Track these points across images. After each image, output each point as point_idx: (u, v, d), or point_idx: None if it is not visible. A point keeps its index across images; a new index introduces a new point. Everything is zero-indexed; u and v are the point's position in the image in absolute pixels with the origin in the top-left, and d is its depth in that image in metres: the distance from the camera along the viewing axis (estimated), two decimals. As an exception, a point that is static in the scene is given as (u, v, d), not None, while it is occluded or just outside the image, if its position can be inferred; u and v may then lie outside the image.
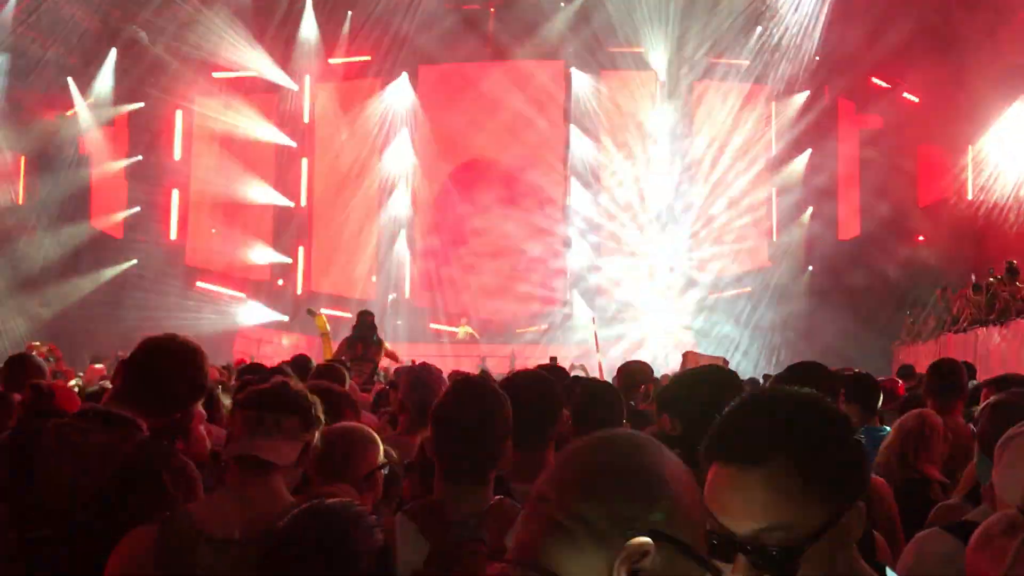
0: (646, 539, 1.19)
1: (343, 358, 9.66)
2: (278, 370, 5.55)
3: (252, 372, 5.99)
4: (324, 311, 23.97)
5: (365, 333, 10.39)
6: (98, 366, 16.04)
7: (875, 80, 24.44)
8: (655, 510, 1.22)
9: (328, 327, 10.30)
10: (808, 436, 1.45)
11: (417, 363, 4.63)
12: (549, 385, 3.26)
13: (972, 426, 4.13)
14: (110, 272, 25.32)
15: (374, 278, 27.11)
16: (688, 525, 1.25)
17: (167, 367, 2.94)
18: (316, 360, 7.74)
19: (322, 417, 2.70)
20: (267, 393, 2.66)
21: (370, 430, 3.06)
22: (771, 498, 1.40)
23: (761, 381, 10.10)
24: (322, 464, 2.81)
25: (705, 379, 3.05)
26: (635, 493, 1.23)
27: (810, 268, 25.32)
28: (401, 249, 27.47)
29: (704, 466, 1.48)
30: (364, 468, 2.89)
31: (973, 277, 17.55)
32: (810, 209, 25.59)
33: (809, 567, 1.39)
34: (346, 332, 10.70)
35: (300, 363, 6.74)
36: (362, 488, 2.83)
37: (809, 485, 1.40)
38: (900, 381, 7.73)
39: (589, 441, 1.32)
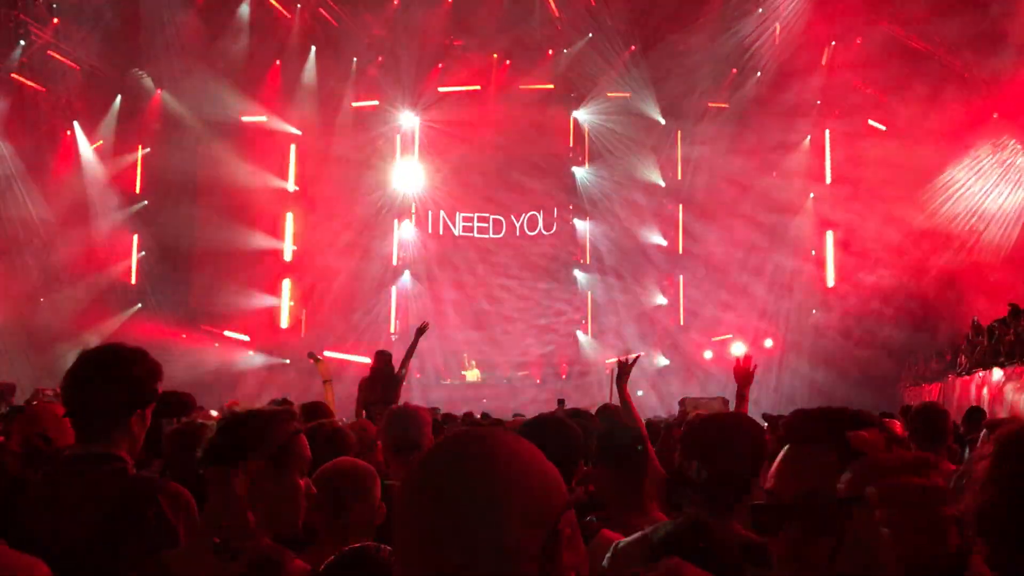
0: None
1: (364, 401, 9.54)
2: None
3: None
4: (328, 353, 24.12)
5: (384, 373, 10.12)
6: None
7: (872, 123, 24.60)
8: None
9: (330, 374, 10.13)
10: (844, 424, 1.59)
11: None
12: (572, 430, 3.27)
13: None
14: (120, 318, 25.33)
15: (393, 334, 27.01)
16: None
17: (88, 386, 2.79)
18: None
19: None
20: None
21: (364, 464, 3.07)
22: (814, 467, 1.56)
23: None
24: (320, 503, 2.80)
25: (734, 426, 2.84)
26: None
27: (814, 311, 25.30)
28: (404, 291, 27.60)
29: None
30: (365, 502, 2.91)
31: (975, 319, 17.50)
32: (813, 252, 25.69)
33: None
34: (349, 376, 10.51)
35: (313, 408, 6.58)
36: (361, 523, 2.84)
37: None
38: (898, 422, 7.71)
39: None
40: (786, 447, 1.63)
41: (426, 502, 1.26)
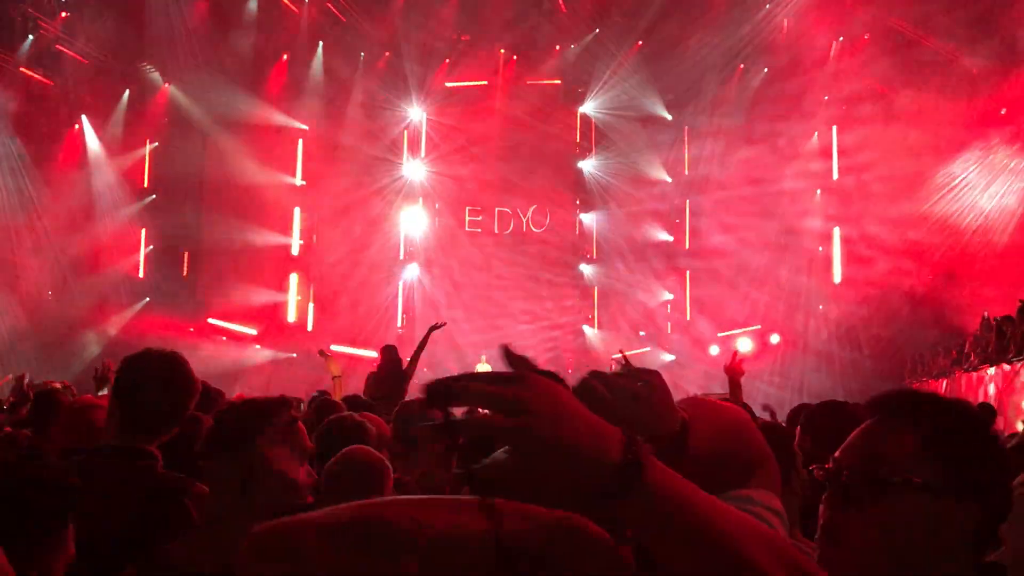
0: None
1: (371, 396, 9.55)
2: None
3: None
4: (335, 348, 24.16)
5: (392, 369, 10.10)
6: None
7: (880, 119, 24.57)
8: None
9: (340, 370, 10.13)
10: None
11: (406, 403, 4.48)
12: None
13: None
14: (129, 313, 25.41)
15: (400, 328, 27.07)
16: None
17: (150, 385, 2.88)
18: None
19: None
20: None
21: (374, 452, 3.07)
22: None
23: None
24: (329, 489, 2.82)
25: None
26: None
27: (820, 307, 25.27)
28: (411, 287, 27.67)
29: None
30: (372, 492, 2.91)
31: (985, 314, 17.45)
32: (820, 248, 25.66)
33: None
34: (352, 370, 10.52)
35: (326, 402, 6.61)
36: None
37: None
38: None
39: None
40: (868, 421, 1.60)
41: None
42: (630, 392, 1.56)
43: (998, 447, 1.54)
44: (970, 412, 1.58)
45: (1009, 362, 14.64)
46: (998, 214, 21.55)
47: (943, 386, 17.90)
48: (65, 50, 23.75)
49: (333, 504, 2.87)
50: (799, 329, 25.06)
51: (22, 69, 23.18)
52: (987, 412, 6.57)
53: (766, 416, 6.22)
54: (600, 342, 26.61)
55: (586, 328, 27.19)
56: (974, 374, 16.43)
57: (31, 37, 22.94)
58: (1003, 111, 21.23)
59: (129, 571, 2.37)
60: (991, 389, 15.02)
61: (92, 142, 25.34)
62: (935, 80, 21.67)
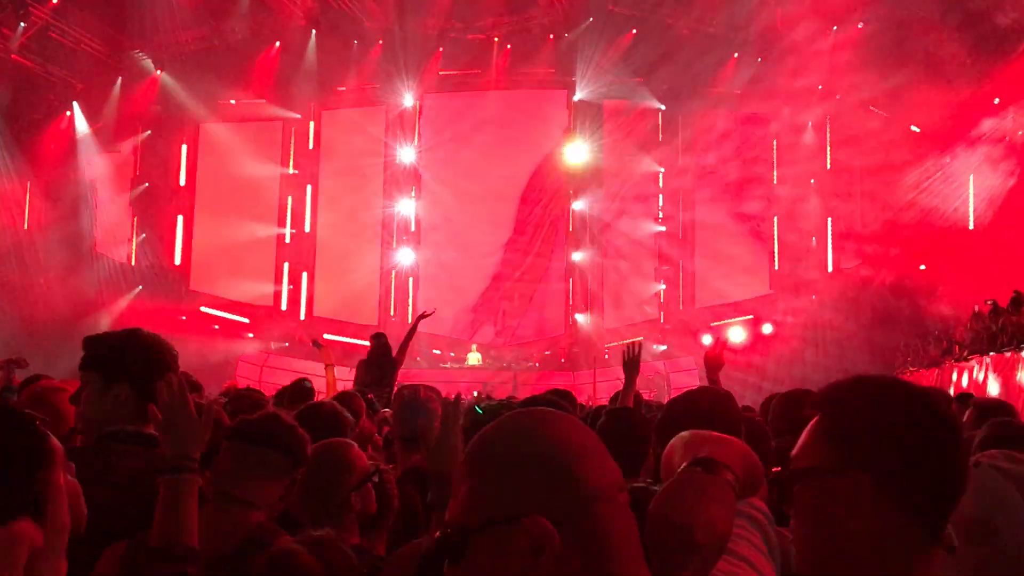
0: None
1: (361, 383, 9.56)
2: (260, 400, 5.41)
3: (240, 400, 5.44)
4: (328, 336, 24.15)
5: (381, 357, 10.11)
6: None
7: (873, 109, 24.57)
8: None
9: (332, 359, 10.14)
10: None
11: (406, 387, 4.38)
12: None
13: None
14: (123, 302, 25.32)
15: (393, 316, 27.08)
16: None
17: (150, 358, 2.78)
18: (320, 392, 7.68)
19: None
20: (256, 426, 2.64)
21: (351, 442, 3.04)
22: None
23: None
24: (306, 482, 2.79)
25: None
26: None
27: (813, 296, 25.30)
28: (403, 275, 27.69)
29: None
30: (351, 481, 2.87)
31: (976, 308, 17.49)
32: (813, 239, 25.69)
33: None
34: (345, 358, 10.53)
35: (299, 389, 6.56)
36: (345, 508, 2.82)
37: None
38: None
39: None
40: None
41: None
42: None
43: (891, 416, 1.48)
44: (864, 388, 1.55)
45: (999, 352, 14.69)
46: (989, 205, 21.59)
47: (934, 376, 17.94)
48: (57, 37, 23.63)
49: (305, 499, 2.85)
50: (792, 319, 25.09)
51: (13, 56, 23.06)
52: (963, 400, 6.57)
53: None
54: (592, 329, 26.62)
55: (578, 316, 27.19)
56: (968, 363, 16.48)
57: (22, 24, 22.80)
58: (996, 100, 21.24)
59: (119, 544, 2.36)
60: (981, 379, 15.07)
61: (83, 130, 25.25)
62: (929, 69, 21.66)
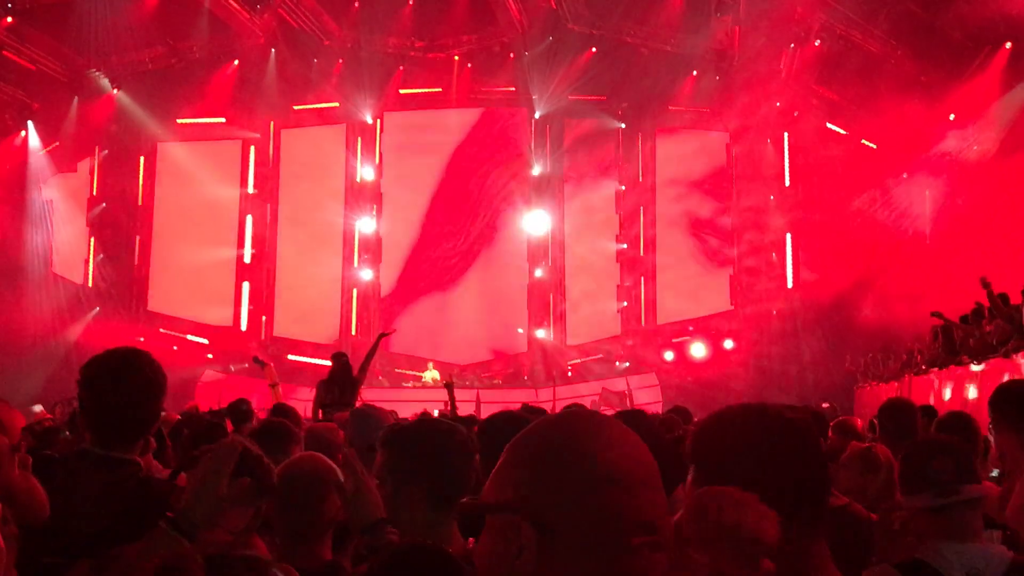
0: None
1: (321, 403, 9.52)
2: (216, 421, 5.43)
3: (197, 422, 5.57)
4: (290, 357, 23.97)
5: (341, 376, 10.07)
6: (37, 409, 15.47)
7: (831, 126, 24.84)
8: None
9: (277, 378, 10.07)
10: None
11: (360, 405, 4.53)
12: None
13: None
14: (81, 323, 24.99)
15: (354, 334, 26.96)
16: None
17: (107, 391, 2.79)
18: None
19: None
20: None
21: (325, 459, 3.03)
22: None
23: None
24: (282, 504, 2.78)
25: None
26: None
27: (774, 311, 25.48)
28: (365, 294, 27.57)
29: None
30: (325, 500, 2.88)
31: (936, 325, 17.59)
32: (774, 255, 25.89)
33: None
34: (308, 378, 10.50)
35: (238, 409, 6.60)
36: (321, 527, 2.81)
37: None
38: (860, 420, 7.78)
39: None
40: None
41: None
42: None
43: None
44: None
45: (959, 364, 14.82)
46: (949, 219, 21.88)
47: (895, 390, 18.09)
48: (11, 56, 23.35)
49: (279, 515, 2.81)
50: (753, 334, 25.26)
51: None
52: (929, 414, 6.64)
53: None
54: (554, 347, 26.63)
55: (539, 333, 27.15)
56: (927, 376, 16.62)
57: (-24, 43, 22.55)
58: (952, 116, 21.57)
59: (83, 565, 2.35)
60: (945, 393, 15.17)
61: (35, 149, 24.98)
62: (885, 87, 21.96)
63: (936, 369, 15.91)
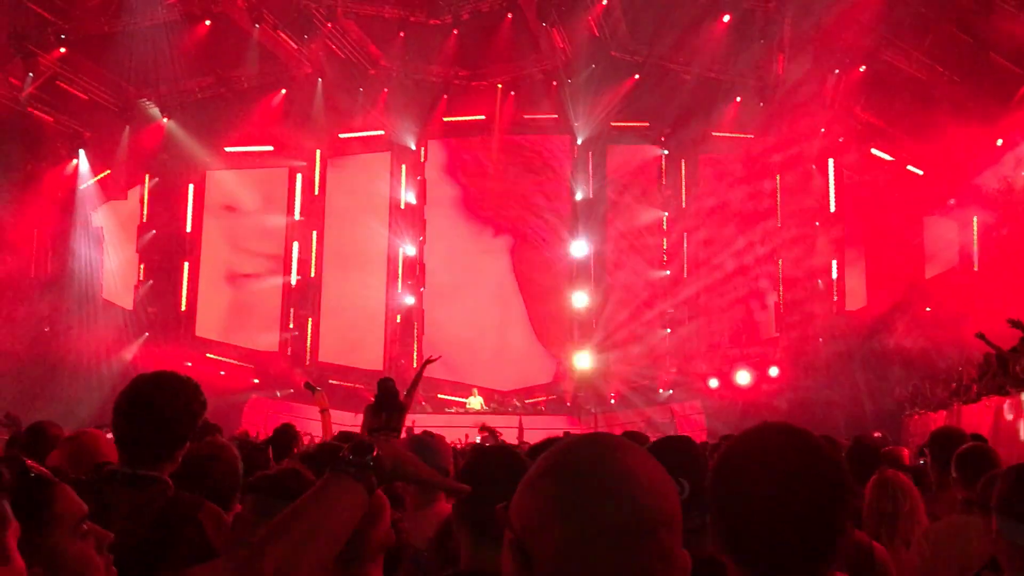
0: None
1: (368, 427, 9.53)
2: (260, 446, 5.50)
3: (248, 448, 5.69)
4: (332, 382, 24.11)
5: (388, 401, 10.09)
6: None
7: (876, 152, 24.66)
8: None
9: (327, 404, 10.12)
10: None
11: (416, 431, 4.57)
12: None
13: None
14: (131, 349, 25.36)
15: (400, 360, 27.12)
16: None
17: (140, 413, 2.93)
18: (318, 437, 7.64)
19: None
20: (279, 480, 2.67)
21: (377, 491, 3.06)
22: None
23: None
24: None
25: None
26: None
27: (820, 339, 25.22)
28: (409, 319, 27.71)
29: None
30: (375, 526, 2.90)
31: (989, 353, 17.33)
32: (820, 282, 25.65)
33: None
34: (354, 403, 10.52)
35: (281, 435, 6.68)
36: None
37: None
38: (907, 450, 7.73)
39: None
40: None
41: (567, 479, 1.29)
42: None
43: None
44: None
45: (1007, 394, 14.58)
46: (989, 244, 21.60)
47: (944, 418, 17.82)
48: (65, 86, 23.87)
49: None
50: (799, 361, 25.01)
51: (22, 106, 23.29)
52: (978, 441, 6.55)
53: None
54: (597, 373, 26.51)
55: (582, 358, 27.03)
56: (977, 404, 16.36)
57: (31, 74, 23.05)
58: (999, 142, 21.31)
59: None
60: (993, 420, 14.93)
61: (87, 177, 25.46)
62: (931, 112, 21.77)
63: (987, 397, 15.66)
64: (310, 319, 27.78)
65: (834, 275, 25.60)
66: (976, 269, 22.51)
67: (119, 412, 2.95)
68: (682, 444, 2.93)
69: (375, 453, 1.80)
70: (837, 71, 23.94)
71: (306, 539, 1.69)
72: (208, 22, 23.83)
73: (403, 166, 28.23)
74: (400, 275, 28.00)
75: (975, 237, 22.72)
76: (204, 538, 2.71)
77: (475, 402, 25.05)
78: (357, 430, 9.47)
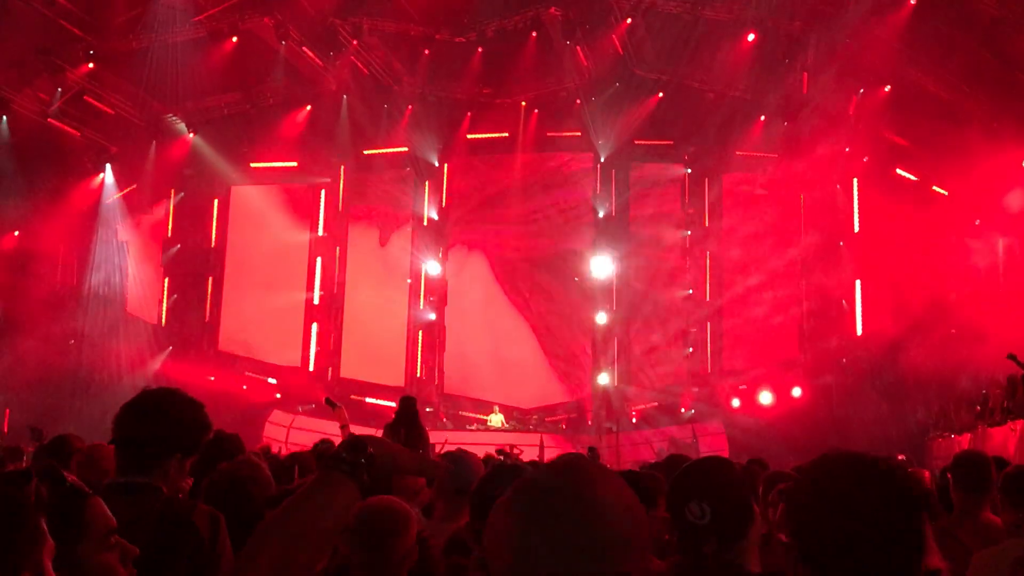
0: None
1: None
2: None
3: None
4: (355, 397, 24.14)
5: (408, 419, 10.04)
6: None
7: (901, 172, 24.56)
8: None
9: (348, 419, 10.12)
10: None
11: (451, 449, 4.69)
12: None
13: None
14: (155, 362, 25.53)
15: (421, 376, 27.21)
16: None
17: (142, 413, 3.03)
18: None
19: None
20: None
21: (399, 501, 3.10)
22: None
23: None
24: (357, 542, 2.84)
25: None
26: None
27: (843, 360, 25.06)
28: (431, 336, 27.75)
29: None
30: (399, 547, 2.93)
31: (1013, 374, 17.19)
32: (843, 302, 25.51)
33: None
34: (374, 421, 10.49)
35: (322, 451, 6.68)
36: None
37: None
38: (927, 472, 7.67)
39: None
40: None
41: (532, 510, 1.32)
42: None
43: None
44: None
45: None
46: (1014, 266, 21.43)
47: (968, 441, 17.68)
48: (92, 101, 24.15)
49: (354, 555, 2.87)
50: (821, 382, 24.86)
51: (51, 120, 23.57)
52: (1001, 465, 6.50)
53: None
54: (618, 394, 26.44)
55: (603, 377, 26.97)
56: (1002, 427, 16.22)
57: (59, 89, 23.35)
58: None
59: None
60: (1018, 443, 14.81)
61: (112, 192, 25.71)
62: (957, 132, 21.65)
63: (1012, 420, 15.53)
64: (332, 335, 27.88)
65: (857, 295, 25.45)
66: (1001, 290, 22.33)
67: (116, 420, 3.04)
68: (712, 466, 2.88)
69: (369, 451, 1.82)
70: (862, 90, 23.88)
71: (300, 535, 1.73)
72: (235, 39, 23.99)
73: (426, 183, 28.33)
74: (422, 292, 28.05)
75: (1000, 258, 22.56)
76: (200, 539, 2.77)
77: (496, 419, 25.04)
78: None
